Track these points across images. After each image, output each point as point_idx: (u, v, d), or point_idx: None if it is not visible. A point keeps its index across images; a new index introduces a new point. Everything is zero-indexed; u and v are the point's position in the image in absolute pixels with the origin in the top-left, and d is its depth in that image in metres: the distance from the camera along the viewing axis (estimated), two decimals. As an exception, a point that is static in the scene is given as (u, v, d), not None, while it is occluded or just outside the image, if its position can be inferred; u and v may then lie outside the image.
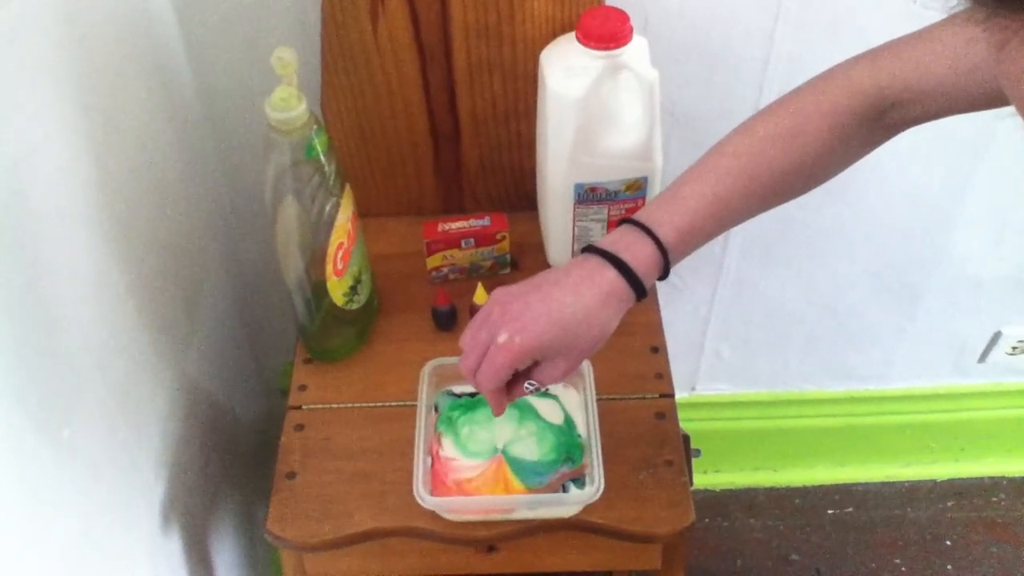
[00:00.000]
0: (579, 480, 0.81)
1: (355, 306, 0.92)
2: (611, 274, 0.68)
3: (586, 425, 0.84)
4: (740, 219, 0.74)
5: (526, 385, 0.72)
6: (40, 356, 0.65)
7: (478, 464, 0.82)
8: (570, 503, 0.80)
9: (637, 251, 0.69)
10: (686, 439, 0.91)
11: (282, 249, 0.86)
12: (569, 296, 0.68)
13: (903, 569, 1.48)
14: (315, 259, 0.86)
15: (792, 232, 1.23)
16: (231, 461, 1.07)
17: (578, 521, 0.82)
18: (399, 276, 1.02)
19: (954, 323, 1.38)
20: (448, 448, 0.83)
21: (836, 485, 1.58)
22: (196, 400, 0.97)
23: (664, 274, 0.71)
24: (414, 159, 1.03)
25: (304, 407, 0.92)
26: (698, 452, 0.97)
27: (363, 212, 0.92)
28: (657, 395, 0.91)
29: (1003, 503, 1.55)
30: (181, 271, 0.94)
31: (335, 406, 0.92)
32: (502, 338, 0.68)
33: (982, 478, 1.58)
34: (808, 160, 0.72)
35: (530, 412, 0.87)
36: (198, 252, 0.98)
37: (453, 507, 0.80)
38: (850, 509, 1.56)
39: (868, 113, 0.71)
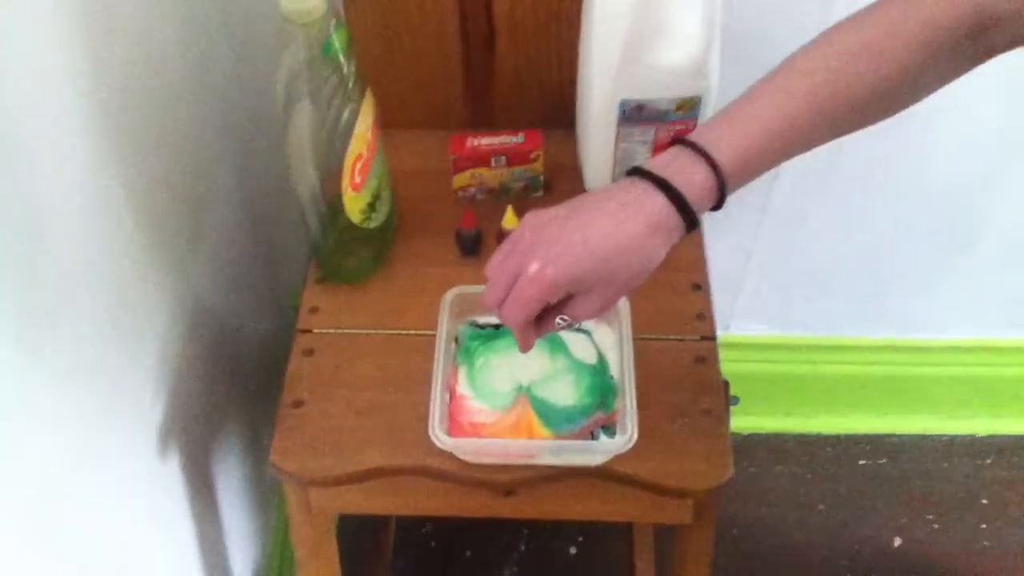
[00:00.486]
0: (610, 428, 0.74)
1: (373, 225, 0.84)
2: (659, 200, 0.60)
3: (620, 366, 0.77)
4: (808, 146, 0.65)
5: (558, 320, 0.64)
6: (20, 265, 0.58)
7: (497, 405, 0.75)
8: (599, 453, 0.73)
9: (690, 175, 0.61)
10: (725, 386, 0.84)
11: (294, 159, 0.78)
12: (610, 223, 0.61)
13: (935, 526, 1.42)
14: (330, 171, 0.78)
15: (849, 166, 1.14)
16: (237, 382, 1.01)
17: (605, 470, 0.75)
18: (422, 195, 0.94)
19: (1012, 274, 1.29)
20: (464, 386, 0.77)
21: (870, 435, 1.51)
22: (199, 316, 0.90)
23: (719, 203, 0.63)
24: (443, 66, 0.94)
25: (314, 331, 0.85)
26: (736, 400, 0.90)
27: (384, 123, 0.84)
28: (698, 337, 0.84)
29: (1046, 464, 1.48)
30: (186, 176, 0.86)
31: (348, 331, 0.85)
32: (533, 268, 0.60)
33: (1025, 436, 1.50)
34: (892, 81, 0.63)
35: (560, 348, 0.80)
36: (206, 156, 0.90)
37: (472, 449, 0.74)
38: (883, 461, 1.49)
39: (964, 31, 0.61)
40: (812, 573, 1.38)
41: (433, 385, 0.74)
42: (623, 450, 0.71)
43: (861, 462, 1.49)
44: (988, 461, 1.48)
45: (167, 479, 0.85)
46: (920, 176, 1.16)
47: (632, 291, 0.64)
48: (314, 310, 0.87)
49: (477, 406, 0.75)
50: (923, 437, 1.50)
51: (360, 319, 0.86)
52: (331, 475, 0.77)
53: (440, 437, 0.71)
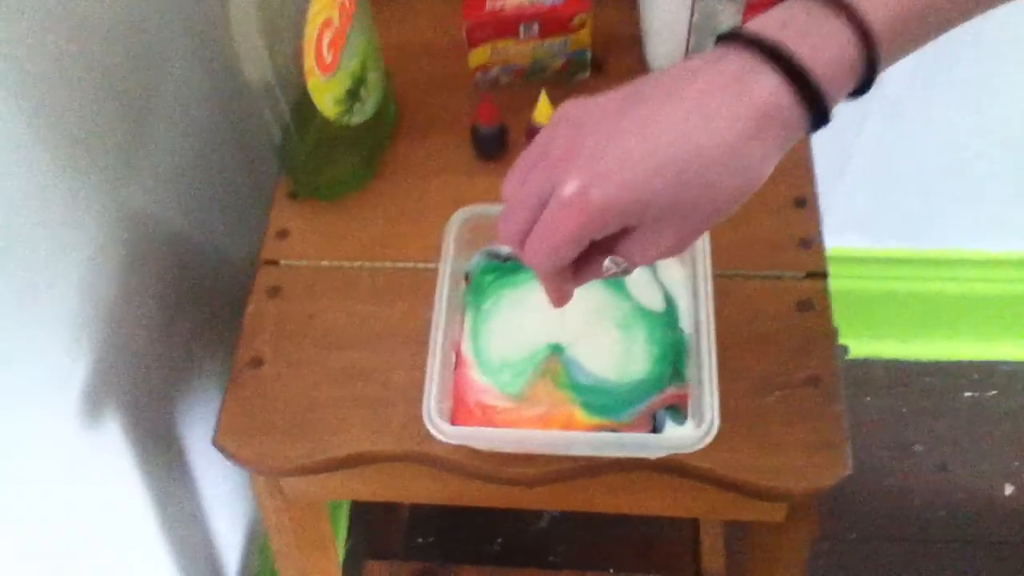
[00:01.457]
0: (677, 409, 0.53)
1: (357, 120, 0.62)
2: (770, 81, 0.38)
3: (693, 317, 0.55)
4: (972, 10, 0.42)
5: (607, 263, 0.43)
6: None
7: (510, 385, 0.54)
8: (663, 448, 0.52)
9: (820, 41, 0.39)
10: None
11: (237, 31, 0.55)
12: (692, 119, 0.39)
13: (1054, 471, 1.20)
14: (287, 47, 0.56)
15: (981, 50, 0.88)
16: (208, 323, 0.81)
17: (670, 462, 0.54)
18: (428, 79, 0.71)
19: None
20: (469, 347, 0.56)
21: (977, 363, 1.28)
22: (149, 236, 0.69)
23: (864, 86, 0.40)
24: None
25: (282, 263, 0.64)
26: (845, 349, 0.69)
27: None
28: (801, 274, 0.61)
29: None
30: (124, 54, 0.64)
31: (327, 264, 0.64)
32: (569, 188, 0.39)
33: None
34: None
35: (617, 286, 0.58)
36: (152, 34, 0.68)
37: (483, 444, 0.53)
38: (992, 393, 1.26)
39: None
40: (906, 524, 1.18)
41: (432, 347, 0.53)
42: (699, 446, 0.50)
43: (966, 394, 1.26)
44: (1122, 395, 1.25)
45: (108, 449, 0.66)
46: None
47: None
48: (283, 234, 0.66)
49: (481, 385, 0.54)
50: (1042, 366, 1.27)
51: (343, 247, 0.65)
52: (299, 464, 0.57)
53: (438, 426, 0.50)
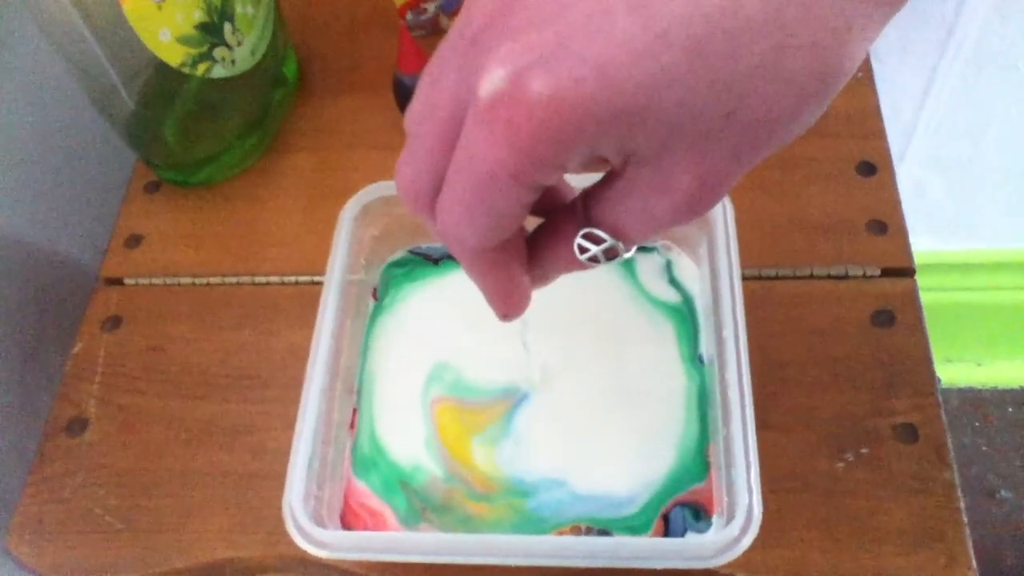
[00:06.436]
0: (694, 506, 0.33)
1: (223, 72, 0.43)
2: None
3: (713, 340, 0.36)
4: None
5: (579, 240, 0.24)
6: None
7: (399, 495, 0.35)
8: (678, 560, 0.31)
9: None
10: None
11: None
12: None
13: None
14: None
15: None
16: (32, 365, 0.59)
17: (686, 571, 0.34)
18: (341, 19, 0.53)
19: None
20: (368, 406, 0.36)
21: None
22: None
23: None
24: None
25: (128, 282, 0.45)
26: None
27: None
28: (876, 271, 0.41)
29: None
30: None
31: (187, 282, 0.45)
32: (494, 79, 0.20)
33: None
34: None
35: (628, 278, 0.39)
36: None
37: (383, 554, 0.33)
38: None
39: None
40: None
41: (303, 400, 0.34)
42: (731, 556, 0.30)
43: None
44: None
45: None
46: None
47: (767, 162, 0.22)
48: (134, 241, 0.47)
49: (359, 484, 0.34)
50: None
51: (214, 256, 0.45)
52: (124, 577, 0.38)
53: (304, 530, 0.31)
